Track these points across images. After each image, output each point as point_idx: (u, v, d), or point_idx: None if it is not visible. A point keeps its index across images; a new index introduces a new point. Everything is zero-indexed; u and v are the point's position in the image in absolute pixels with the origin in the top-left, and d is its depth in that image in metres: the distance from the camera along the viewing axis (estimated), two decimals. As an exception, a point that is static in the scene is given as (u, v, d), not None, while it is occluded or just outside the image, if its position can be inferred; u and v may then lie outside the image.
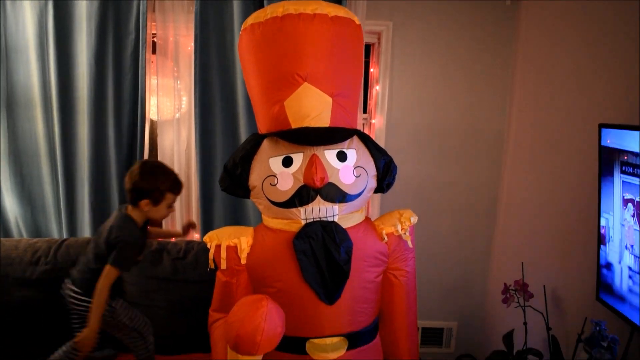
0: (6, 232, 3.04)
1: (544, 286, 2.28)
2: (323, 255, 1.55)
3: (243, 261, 1.63)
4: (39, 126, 2.96)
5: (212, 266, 1.68)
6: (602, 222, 1.91)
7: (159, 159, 3.06)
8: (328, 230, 1.56)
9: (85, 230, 3.00)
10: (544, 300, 2.28)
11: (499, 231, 3.13)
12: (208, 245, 1.67)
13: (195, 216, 3.13)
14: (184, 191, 2.98)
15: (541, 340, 2.48)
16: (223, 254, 1.64)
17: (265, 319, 1.36)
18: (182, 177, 2.96)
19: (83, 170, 2.96)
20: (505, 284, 2.39)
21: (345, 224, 1.60)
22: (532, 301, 2.33)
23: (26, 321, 2.60)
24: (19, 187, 3.01)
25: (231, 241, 1.64)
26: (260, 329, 1.35)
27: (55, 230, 3.06)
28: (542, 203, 2.60)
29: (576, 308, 2.23)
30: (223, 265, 1.65)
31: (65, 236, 2.99)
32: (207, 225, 3.01)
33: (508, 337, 2.38)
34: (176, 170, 2.94)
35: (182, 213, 3.12)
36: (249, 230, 1.69)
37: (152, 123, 3.11)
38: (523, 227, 2.80)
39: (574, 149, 2.30)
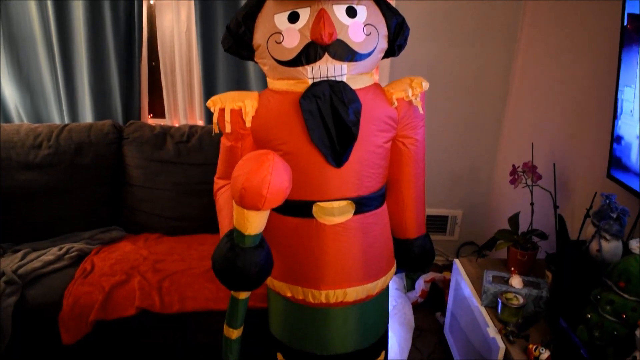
0: (7, 120, 3.00)
1: (554, 164, 2.25)
2: (330, 115, 1.50)
3: (248, 124, 1.58)
4: (32, 11, 2.83)
5: (217, 131, 1.63)
6: (620, 96, 1.85)
7: (159, 41, 2.95)
8: (336, 90, 1.49)
9: (87, 115, 2.95)
10: (552, 180, 2.25)
11: (509, 114, 3.05)
12: (212, 109, 1.61)
13: (197, 99, 3.06)
14: (186, 74, 2.92)
15: (547, 223, 2.48)
16: (227, 118, 1.59)
17: (272, 172, 1.33)
18: (183, 60, 2.89)
19: (81, 54, 2.87)
20: (513, 165, 2.36)
21: (353, 85, 1.53)
22: (540, 183, 2.31)
23: (30, 204, 2.62)
24: (17, 74, 2.93)
25: (235, 104, 1.58)
26: (267, 182, 1.32)
27: (57, 116, 3.01)
28: (555, 82, 2.52)
29: (585, 187, 2.21)
30: (227, 129, 1.60)
31: (66, 122, 2.95)
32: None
33: (513, 219, 2.38)
34: (176, 52, 2.86)
35: (184, 96, 3.04)
36: (254, 94, 1.62)
37: (150, 6, 2.98)
38: (534, 109, 2.73)
39: (593, 21, 2.20)
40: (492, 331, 1.95)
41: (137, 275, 2.28)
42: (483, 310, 2.07)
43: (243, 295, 1.61)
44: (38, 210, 2.61)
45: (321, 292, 1.61)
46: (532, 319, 2.00)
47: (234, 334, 1.68)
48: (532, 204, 2.33)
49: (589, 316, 1.62)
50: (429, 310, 2.96)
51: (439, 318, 2.86)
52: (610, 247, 1.77)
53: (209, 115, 2.97)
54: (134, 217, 2.77)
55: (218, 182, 1.78)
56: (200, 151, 2.70)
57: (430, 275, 2.99)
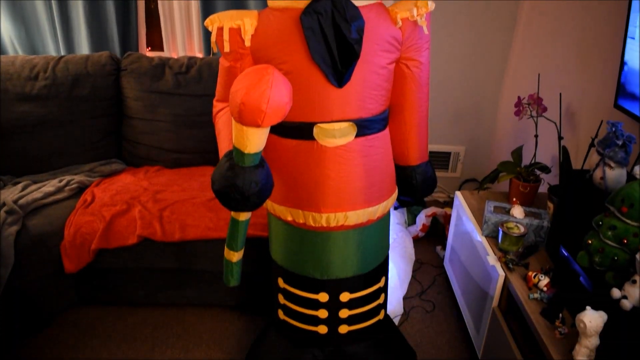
0: (2, 54, 2.93)
1: (560, 93, 2.21)
2: (332, 33, 1.45)
3: (247, 43, 1.53)
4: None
5: (215, 50, 1.58)
6: (632, 23, 1.78)
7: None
8: (338, 6, 1.44)
9: (83, 47, 2.89)
10: (558, 111, 2.22)
11: (516, 46, 2.97)
12: (209, 28, 1.56)
13: (196, 30, 2.97)
14: (184, 4, 2.83)
15: (551, 157, 2.46)
16: (226, 36, 1.54)
17: (272, 86, 1.30)
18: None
19: (74, -17, 2.78)
20: (518, 96, 2.32)
21: (356, 2, 1.48)
22: (544, 115, 2.27)
23: (28, 136, 2.59)
24: (10, 6, 2.85)
25: (234, 23, 1.53)
26: (267, 96, 1.29)
27: (52, 49, 2.94)
28: (564, 11, 2.44)
29: (591, 118, 2.18)
30: (226, 48, 1.56)
31: (62, 54, 2.89)
32: (208, 32, 2.87)
33: (517, 151, 2.35)
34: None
35: (182, 28, 2.96)
36: (253, 12, 1.57)
37: None
38: (541, 40, 2.66)
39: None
40: (492, 259, 1.95)
41: (137, 205, 2.28)
42: (483, 240, 2.08)
43: (243, 216, 1.60)
44: (37, 142, 2.59)
45: (322, 215, 1.61)
46: (532, 248, 2.00)
47: (235, 256, 1.68)
48: (536, 136, 2.30)
49: (590, 242, 1.62)
50: (430, 244, 2.98)
51: (439, 252, 2.88)
52: (614, 174, 1.75)
53: (208, 46, 2.90)
54: (133, 150, 2.75)
55: (217, 105, 1.75)
56: (199, 82, 2.65)
57: (431, 210, 2.99)
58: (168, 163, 2.71)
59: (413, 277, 2.68)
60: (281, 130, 1.58)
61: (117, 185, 2.45)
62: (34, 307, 2.21)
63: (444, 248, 2.78)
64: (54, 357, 2.17)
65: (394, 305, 2.40)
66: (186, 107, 2.64)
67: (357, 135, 1.57)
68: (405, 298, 2.53)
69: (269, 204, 1.71)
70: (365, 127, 1.58)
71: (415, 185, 1.83)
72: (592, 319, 1.42)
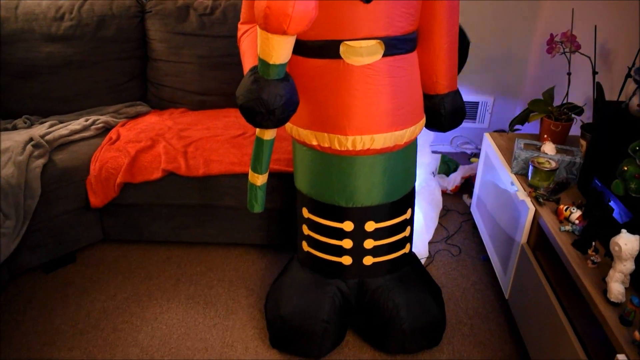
0: None
1: (595, 26, 2.12)
2: (360, -56, 1.41)
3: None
4: None
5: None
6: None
7: None
8: None
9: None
10: (592, 47, 2.13)
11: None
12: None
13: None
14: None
15: (583, 100, 2.38)
16: (251, -50, 1.51)
17: None
18: None
19: None
20: (551, 34, 2.24)
21: None
22: (578, 56, 2.19)
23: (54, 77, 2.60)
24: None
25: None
26: (292, 0, 1.25)
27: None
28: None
29: (626, 55, 2.09)
30: (251, -37, 1.52)
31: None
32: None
33: (548, 92, 2.28)
34: None
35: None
36: None
37: None
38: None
39: None
40: (521, 194, 1.90)
41: (162, 141, 2.28)
42: (513, 177, 2.02)
43: (268, 135, 1.58)
44: (63, 83, 2.60)
45: (347, 138, 1.57)
46: (564, 185, 1.94)
47: (259, 179, 1.67)
48: (569, 73, 2.23)
49: (626, 168, 1.55)
50: (457, 194, 2.93)
51: (466, 200, 2.83)
52: (653, 100, 1.68)
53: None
54: (158, 93, 2.74)
55: (241, 28, 1.72)
56: (224, 23, 2.61)
57: (468, 172, 2.91)
58: (193, 105, 2.70)
59: (439, 223, 2.64)
60: (306, 50, 1.55)
61: (142, 125, 2.45)
62: (60, 240, 2.23)
63: (470, 197, 2.73)
64: (78, 291, 2.20)
65: (420, 248, 2.37)
66: (211, 49, 2.62)
67: (384, 55, 1.53)
68: (430, 242, 2.49)
69: (293, 130, 1.68)
70: (393, 46, 1.54)
71: (444, 115, 1.78)
72: (628, 241, 1.37)
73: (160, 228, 2.34)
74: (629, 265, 1.39)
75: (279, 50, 1.36)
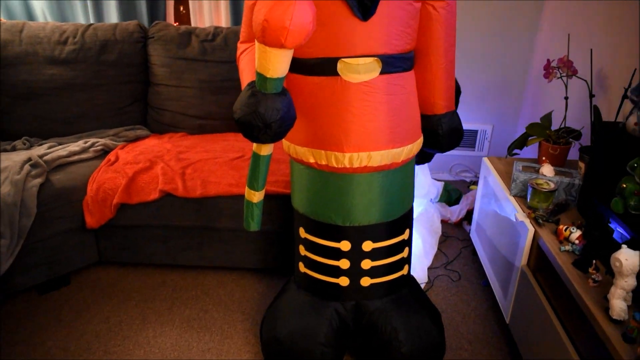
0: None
1: (591, 50, 2.14)
2: (358, -38, 1.43)
3: (271, -24, 1.52)
4: None
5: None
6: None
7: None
8: None
9: (112, 16, 2.92)
10: (588, 72, 2.15)
11: (546, 12, 2.90)
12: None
13: (223, 2, 2.98)
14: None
15: (580, 124, 2.39)
16: (250, -31, 1.53)
17: (295, 4, 1.27)
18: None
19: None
20: (548, 59, 2.26)
21: None
22: (575, 80, 2.21)
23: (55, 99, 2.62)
24: (42, -22, 2.90)
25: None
26: (290, 13, 1.26)
27: (82, 17, 2.98)
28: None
29: (622, 78, 2.10)
30: (250, -18, 1.55)
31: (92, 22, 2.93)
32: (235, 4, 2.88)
33: (546, 117, 2.29)
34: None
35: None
36: None
37: None
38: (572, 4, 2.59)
39: None
40: (520, 216, 1.89)
41: (160, 163, 2.28)
42: (512, 199, 2.01)
43: (265, 150, 1.57)
44: (64, 105, 2.62)
45: (345, 155, 1.57)
46: (563, 206, 1.93)
47: (256, 196, 1.65)
48: (566, 98, 2.24)
49: (625, 186, 1.55)
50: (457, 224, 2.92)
51: (465, 226, 2.81)
52: (650, 119, 1.68)
53: (235, 18, 2.91)
54: (159, 117, 2.76)
55: (240, 47, 1.73)
56: (225, 49, 2.65)
57: (472, 204, 2.89)
58: (193, 129, 2.71)
59: (438, 249, 2.61)
60: (304, 67, 1.56)
61: (141, 147, 2.46)
62: (55, 261, 2.20)
63: (470, 223, 2.71)
64: (71, 314, 2.16)
65: (419, 273, 2.34)
66: (211, 74, 2.64)
67: (381, 72, 1.54)
68: (430, 268, 2.46)
69: (290, 148, 1.68)
70: (390, 64, 1.55)
71: (442, 135, 1.78)
72: (629, 256, 1.35)
73: (156, 250, 2.32)
74: (631, 282, 1.36)
75: (277, 63, 1.37)
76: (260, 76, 1.39)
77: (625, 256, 1.35)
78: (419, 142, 1.72)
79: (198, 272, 2.43)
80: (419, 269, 2.36)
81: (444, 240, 2.71)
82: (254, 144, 1.57)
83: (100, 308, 2.20)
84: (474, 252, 2.58)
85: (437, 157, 3.12)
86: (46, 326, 2.09)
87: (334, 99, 1.54)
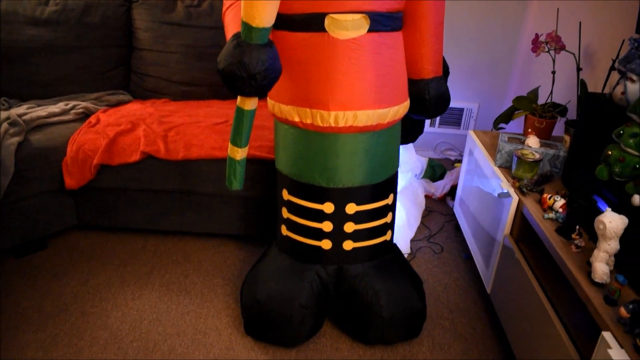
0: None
1: (580, 22, 2.14)
2: None
3: None
4: None
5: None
6: None
7: None
8: None
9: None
10: (577, 43, 2.14)
11: None
12: None
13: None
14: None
15: (567, 98, 2.39)
16: None
17: None
18: None
19: None
20: (536, 33, 2.25)
21: None
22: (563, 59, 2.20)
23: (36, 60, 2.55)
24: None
25: None
26: None
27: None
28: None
29: (610, 53, 2.10)
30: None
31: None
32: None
33: (533, 92, 2.28)
34: None
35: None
36: None
37: None
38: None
39: None
40: (505, 185, 1.88)
41: (142, 125, 2.23)
42: (497, 169, 2.00)
43: (249, 105, 1.54)
44: (44, 67, 2.55)
45: (330, 114, 1.55)
46: (547, 177, 1.93)
47: (239, 153, 1.62)
48: (553, 72, 2.23)
49: (610, 153, 1.55)
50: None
51: (449, 202, 2.81)
52: (636, 88, 1.66)
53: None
54: (142, 83, 2.71)
55: (226, 3, 1.69)
56: (211, 15, 2.60)
57: (456, 179, 2.88)
58: (177, 96, 2.66)
59: (422, 223, 2.61)
60: (291, 23, 1.53)
61: (123, 111, 2.41)
62: (32, 222, 2.16)
63: (454, 199, 2.71)
64: (48, 276, 2.12)
65: (401, 244, 2.33)
66: (197, 39, 2.60)
67: (369, 30, 1.51)
68: (412, 240, 2.46)
69: (275, 107, 1.65)
70: (378, 22, 1.52)
71: (429, 100, 1.77)
72: (612, 219, 1.34)
73: (136, 215, 2.28)
74: (614, 245, 1.36)
75: (263, 12, 1.34)
76: (246, 25, 1.36)
77: (609, 219, 1.35)
78: (406, 104, 1.71)
79: (179, 238, 2.40)
80: (402, 240, 2.35)
81: (427, 214, 2.70)
82: (238, 98, 1.54)
83: (78, 271, 2.16)
84: (456, 227, 2.58)
85: (422, 135, 3.11)
86: (22, 288, 2.05)
87: (320, 56, 1.52)
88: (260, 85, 1.42)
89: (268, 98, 1.69)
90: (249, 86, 1.41)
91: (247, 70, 1.37)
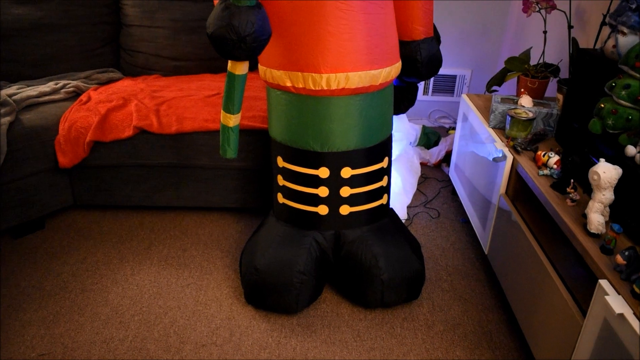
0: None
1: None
2: None
3: None
4: None
5: None
6: None
7: None
8: None
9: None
10: (568, 1, 2.13)
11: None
12: None
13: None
14: None
15: (558, 58, 2.38)
16: None
17: None
18: None
19: None
20: (527, -8, 2.23)
21: None
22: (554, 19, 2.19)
23: (23, 40, 2.52)
24: None
25: None
26: None
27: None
28: None
29: (601, 15, 2.09)
30: None
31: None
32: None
33: (525, 52, 2.27)
34: None
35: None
36: None
37: None
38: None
39: None
40: (499, 145, 1.88)
41: (134, 100, 2.22)
42: (491, 131, 2.00)
43: (240, 69, 1.53)
44: (32, 46, 2.51)
45: (322, 76, 1.54)
46: (541, 136, 1.93)
47: (232, 120, 1.62)
48: (545, 32, 2.22)
49: (602, 106, 1.55)
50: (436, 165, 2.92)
51: (444, 168, 2.81)
52: (627, 41, 1.66)
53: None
54: (131, 60, 2.68)
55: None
56: (199, -12, 2.58)
57: (451, 145, 2.88)
58: (167, 72, 2.64)
59: (418, 189, 2.61)
60: (280, -15, 1.52)
61: (114, 88, 2.39)
62: (28, 203, 2.15)
63: (449, 165, 2.71)
64: (46, 256, 2.12)
65: (398, 210, 2.34)
66: (186, 12, 2.57)
67: None
68: (409, 207, 2.46)
69: (267, 72, 1.64)
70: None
71: (421, 62, 1.76)
72: (606, 169, 1.35)
73: (132, 191, 2.27)
74: (608, 195, 1.37)
75: (251, -28, 1.32)
76: (235, -13, 1.35)
77: (603, 169, 1.35)
78: (397, 66, 1.70)
79: (176, 213, 2.41)
80: (399, 206, 2.36)
81: (422, 181, 2.71)
82: (229, 64, 1.52)
83: (77, 250, 2.16)
84: (453, 192, 2.58)
85: (416, 103, 3.10)
86: (21, 268, 2.05)
87: (310, 18, 1.50)
88: (250, 47, 1.41)
89: (259, 65, 1.68)
90: (239, 49, 1.40)
91: (237, 32, 1.36)
